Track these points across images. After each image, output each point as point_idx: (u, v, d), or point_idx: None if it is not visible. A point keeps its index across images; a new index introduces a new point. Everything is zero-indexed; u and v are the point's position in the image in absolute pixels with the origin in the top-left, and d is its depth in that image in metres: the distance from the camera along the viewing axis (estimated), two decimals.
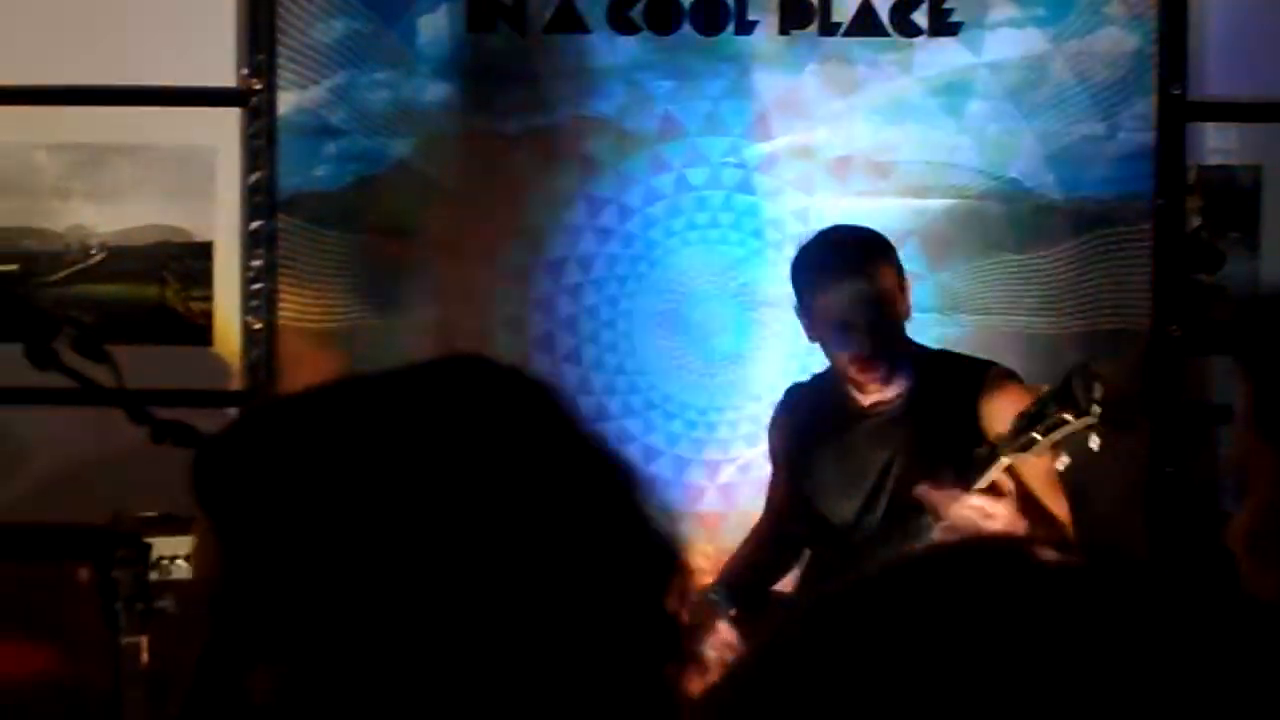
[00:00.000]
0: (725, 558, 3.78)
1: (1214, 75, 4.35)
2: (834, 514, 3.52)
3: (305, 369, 4.25)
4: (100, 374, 2.92)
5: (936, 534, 3.20)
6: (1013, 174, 4.33)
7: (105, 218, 4.37)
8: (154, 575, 2.91)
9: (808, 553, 3.65)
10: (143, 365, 3.21)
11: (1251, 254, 4.37)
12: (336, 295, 4.36)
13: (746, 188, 4.35)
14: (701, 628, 3.31)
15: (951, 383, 3.45)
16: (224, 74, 4.36)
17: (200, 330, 4.38)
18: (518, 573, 1.14)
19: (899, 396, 3.48)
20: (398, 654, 1.13)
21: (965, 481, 3.19)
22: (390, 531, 1.14)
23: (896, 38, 4.32)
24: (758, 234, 4.34)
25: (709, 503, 4.31)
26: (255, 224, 4.34)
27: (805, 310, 3.50)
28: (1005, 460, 3.17)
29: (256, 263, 4.34)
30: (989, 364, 3.53)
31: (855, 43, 4.33)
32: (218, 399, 4.24)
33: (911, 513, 3.26)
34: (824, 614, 0.78)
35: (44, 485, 4.32)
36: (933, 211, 4.32)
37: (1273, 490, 1.62)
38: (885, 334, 3.44)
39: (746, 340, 4.33)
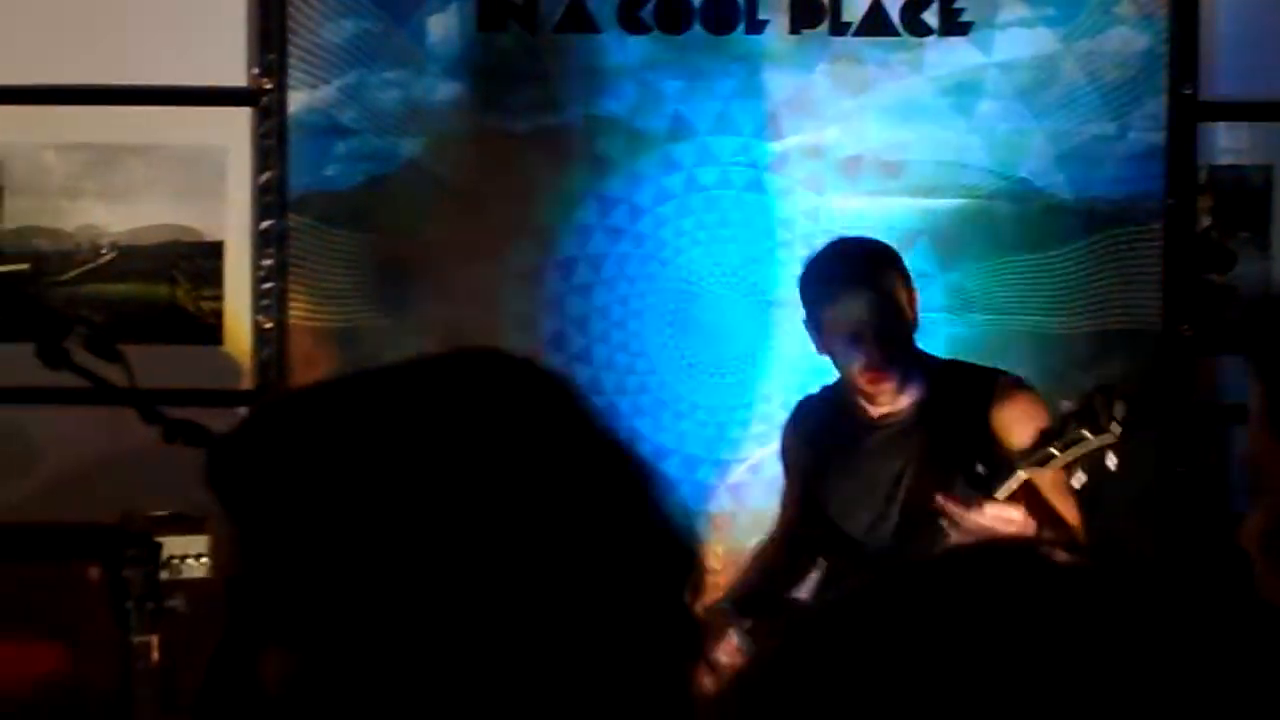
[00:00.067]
0: (736, 557, 3.77)
1: (1225, 75, 4.34)
2: (848, 525, 3.52)
3: (316, 368, 4.25)
4: (112, 373, 2.93)
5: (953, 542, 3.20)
6: (1023, 174, 4.32)
7: (116, 217, 4.37)
8: (165, 574, 2.92)
9: (824, 564, 3.64)
10: (153, 365, 3.21)
11: (1263, 254, 4.36)
12: (347, 294, 4.36)
13: (757, 187, 4.35)
14: (714, 634, 3.31)
15: (961, 392, 3.45)
16: (235, 74, 4.36)
17: (211, 330, 4.38)
18: (534, 565, 1.14)
19: (909, 407, 3.48)
20: (413, 646, 1.12)
21: (983, 493, 3.19)
22: (407, 523, 1.14)
23: (907, 37, 4.32)
24: (768, 233, 4.34)
25: (719, 502, 4.31)
26: (266, 223, 4.34)
27: (814, 323, 3.50)
28: (1023, 475, 3.18)
29: (267, 262, 4.34)
30: (998, 372, 3.52)
31: (866, 42, 4.33)
32: (228, 398, 4.23)
33: (926, 522, 3.26)
34: (839, 614, 0.78)
35: (55, 484, 4.32)
36: (943, 211, 4.31)
37: None
38: (894, 345, 3.43)
39: (757, 340, 4.33)
